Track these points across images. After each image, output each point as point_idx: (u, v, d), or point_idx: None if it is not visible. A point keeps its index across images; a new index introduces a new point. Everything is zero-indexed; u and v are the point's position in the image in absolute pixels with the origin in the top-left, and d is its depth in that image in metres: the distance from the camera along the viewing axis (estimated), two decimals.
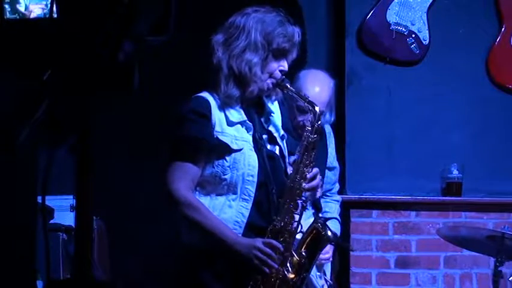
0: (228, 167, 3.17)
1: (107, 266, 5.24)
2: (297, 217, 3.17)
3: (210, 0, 5.42)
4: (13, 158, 3.02)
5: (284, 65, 3.22)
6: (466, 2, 5.33)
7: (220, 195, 3.19)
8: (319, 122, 3.24)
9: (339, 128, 5.21)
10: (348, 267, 5.18)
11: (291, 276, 3.16)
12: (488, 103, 5.31)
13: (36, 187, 3.14)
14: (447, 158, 5.25)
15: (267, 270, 3.11)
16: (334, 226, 3.90)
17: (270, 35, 3.17)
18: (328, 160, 4.06)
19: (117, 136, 5.66)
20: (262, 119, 3.30)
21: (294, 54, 3.24)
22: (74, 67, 1.92)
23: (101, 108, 2.01)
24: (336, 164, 4.17)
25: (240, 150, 3.17)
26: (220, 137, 3.17)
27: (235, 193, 3.18)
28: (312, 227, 3.24)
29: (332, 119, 4.00)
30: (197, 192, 3.20)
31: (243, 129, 3.20)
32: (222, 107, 3.19)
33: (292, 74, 3.61)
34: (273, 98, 3.30)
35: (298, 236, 3.21)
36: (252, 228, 3.17)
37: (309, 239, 3.22)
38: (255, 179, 3.17)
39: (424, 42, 5.26)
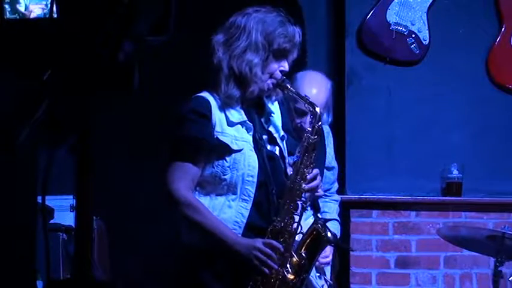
0: (228, 167, 3.17)
1: (107, 266, 5.24)
2: (296, 218, 3.17)
3: (210, 0, 5.42)
4: (13, 158, 3.02)
5: (284, 65, 3.22)
6: (466, 2, 5.33)
7: (220, 195, 3.19)
8: (319, 123, 3.24)
9: (339, 128, 5.21)
10: (348, 267, 5.18)
11: (291, 277, 3.16)
12: (488, 103, 5.31)
13: (36, 187, 3.14)
14: (447, 158, 5.25)
15: (267, 271, 3.11)
16: (334, 227, 3.90)
17: (270, 36, 3.17)
18: (326, 160, 4.06)
19: (117, 136, 5.66)
20: (263, 120, 3.29)
21: (294, 55, 3.24)
22: (74, 67, 1.92)
23: (101, 108, 2.01)
24: (334, 164, 4.17)
25: (240, 150, 3.17)
26: (221, 137, 3.17)
27: (235, 193, 3.17)
28: (312, 228, 3.24)
29: (330, 119, 4.00)
30: (197, 192, 3.20)
31: (243, 130, 3.20)
32: (223, 107, 3.19)
33: (292, 74, 3.61)
34: (273, 98, 3.30)
35: (298, 237, 3.21)
36: (251, 229, 3.16)
37: (309, 240, 3.22)
38: (255, 180, 3.16)
39: (424, 42, 5.26)
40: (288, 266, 3.16)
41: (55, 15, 1.98)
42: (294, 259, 3.17)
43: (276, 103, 3.34)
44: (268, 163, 3.20)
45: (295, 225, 3.17)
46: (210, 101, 3.19)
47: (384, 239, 5.22)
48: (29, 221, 3.25)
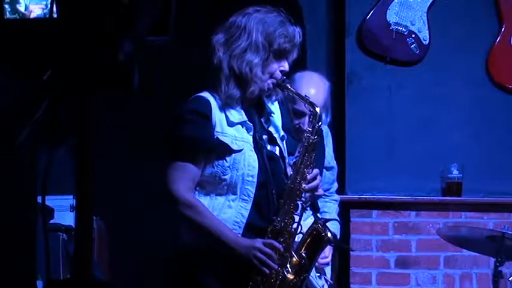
0: (228, 167, 3.16)
1: (107, 266, 5.25)
2: (296, 218, 3.17)
3: (210, 0, 5.42)
4: (13, 158, 3.02)
5: (285, 66, 3.22)
6: (466, 2, 5.33)
7: (220, 195, 3.19)
8: (319, 123, 3.24)
9: (339, 128, 5.21)
10: (348, 267, 5.18)
11: (291, 277, 3.15)
12: (488, 103, 5.32)
13: (36, 187, 3.14)
14: (447, 158, 5.26)
15: (267, 271, 3.11)
16: (334, 227, 3.90)
17: (271, 36, 3.17)
18: (325, 160, 4.06)
19: (117, 136, 5.66)
20: (263, 120, 3.29)
21: (294, 55, 3.24)
22: (74, 67, 1.92)
23: (101, 108, 2.01)
24: (333, 163, 4.17)
25: (240, 150, 3.17)
26: (221, 137, 3.16)
27: (234, 193, 3.17)
28: (312, 228, 3.24)
29: (328, 119, 4.01)
30: (197, 192, 3.20)
31: (243, 130, 3.20)
32: (223, 107, 3.19)
33: (291, 75, 3.61)
34: (273, 98, 3.30)
35: (298, 237, 3.21)
36: (251, 229, 3.16)
37: (309, 240, 3.22)
38: (255, 180, 3.16)
39: (424, 42, 5.26)
40: (288, 266, 3.16)
41: (55, 15, 1.98)
42: (294, 259, 3.17)
43: (276, 103, 3.34)
44: (268, 163, 3.20)
45: (295, 225, 3.17)
46: (210, 101, 3.19)
47: (384, 239, 5.22)
48: (29, 221, 3.24)
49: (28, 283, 3.54)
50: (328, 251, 3.73)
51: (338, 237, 3.90)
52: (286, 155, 3.31)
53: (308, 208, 3.34)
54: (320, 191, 3.34)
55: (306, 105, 3.26)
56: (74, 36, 1.91)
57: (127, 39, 1.93)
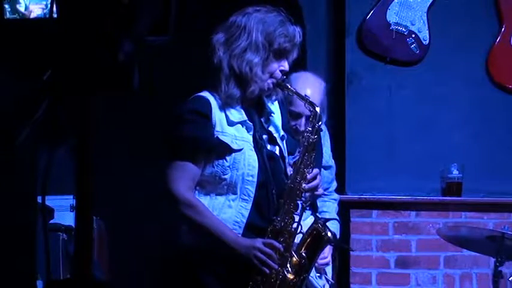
0: (228, 166, 3.16)
1: (107, 266, 5.24)
2: (296, 218, 3.17)
3: (210, 0, 5.42)
4: (13, 158, 3.02)
5: (285, 65, 3.22)
6: (466, 2, 5.33)
7: (220, 195, 3.19)
8: (319, 123, 3.24)
9: (339, 128, 5.22)
10: (348, 267, 5.18)
11: (291, 276, 3.16)
12: (488, 103, 5.32)
13: (36, 187, 3.13)
14: (447, 158, 5.26)
15: (267, 271, 3.11)
16: (334, 226, 3.90)
17: (271, 35, 3.17)
18: (323, 159, 4.07)
19: (117, 136, 5.66)
20: (263, 119, 3.29)
21: (294, 54, 3.24)
22: (74, 67, 1.92)
23: (101, 108, 2.01)
24: (331, 162, 4.17)
25: (240, 150, 3.17)
26: (221, 137, 3.16)
27: (235, 193, 3.17)
28: (312, 227, 3.24)
29: (324, 119, 4.01)
30: (197, 192, 3.20)
31: (243, 129, 3.20)
32: (223, 107, 3.19)
33: (288, 75, 3.60)
34: (273, 98, 3.30)
35: (298, 237, 3.21)
36: (251, 229, 3.16)
37: (309, 239, 3.22)
38: (255, 179, 3.16)
39: (424, 42, 5.26)
40: (288, 265, 3.16)
41: (55, 15, 1.98)
42: (294, 259, 3.17)
43: (276, 103, 3.34)
44: (268, 163, 3.20)
45: (295, 225, 3.17)
46: (210, 101, 3.19)
47: (384, 239, 5.22)
48: (29, 221, 3.24)
49: (28, 283, 3.54)
50: (327, 251, 3.73)
51: (338, 237, 3.90)
52: (286, 154, 3.31)
53: (307, 208, 3.34)
54: (320, 191, 3.35)
55: (306, 104, 3.26)
56: (74, 36, 1.91)
57: (127, 39, 1.93)
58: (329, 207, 4.10)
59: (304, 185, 3.19)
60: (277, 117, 3.32)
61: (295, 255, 3.17)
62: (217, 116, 3.18)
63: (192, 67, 4.05)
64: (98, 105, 1.97)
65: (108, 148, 4.82)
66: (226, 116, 3.19)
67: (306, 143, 3.22)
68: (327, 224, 3.29)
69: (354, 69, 5.30)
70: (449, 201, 5.25)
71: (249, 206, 3.16)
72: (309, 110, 3.27)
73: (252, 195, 3.16)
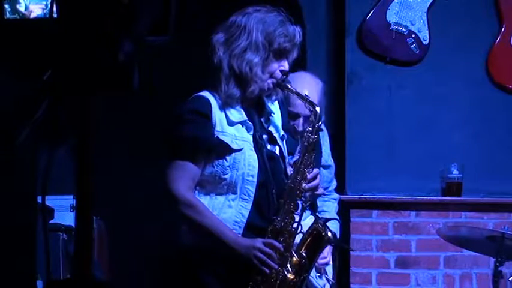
0: (228, 166, 3.16)
1: (107, 266, 5.24)
2: (297, 217, 3.17)
3: (210, 0, 5.42)
4: (13, 158, 3.02)
5: (285, 65, 3.22)
6: (466, 2, 5.33)
7: (220, 195, 3.19)
8: (319, 123, 3.24)
9: (339, 128, 5.22)
10: (348, 267, 5.18)
11: (291, 276, 3.16)
12: (488, 103, 5.31)
13: (36, 187, 3.13)
14: (447, 158, 5.25)
15: (267, 271, 3.11)
16: (334, 226, 3.90)
17: (271, 35, 3.17)
18: (322, 158, 4.07)
19: (117, 136, 5.66)
20: (263, 119, 3.29)
21: (294, 54, 3.24)
22: (74, 67, 1.92)
23: (101, 108, 2.01)
24: (330, 162, 4.17)
25: (240, 150, 3.17)
26: (221, 137, 3.16)
27: (234, 193, 3.17)
28: (312, 227, 3.24)
29: (323, 118, 4.01)
30: (197, 192, 3.20)
31: (243, 129, 3.20)
32: (223, 107, 3.19)
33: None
34: (273, 98, 3.30)
35: (298, 237, 3.21)
36: (251, 229, 3.16)
37: (309, 239, 3.22)
38: (255, 179, 3.16)
39: (424, 42, 5.26)
40: (288, 265, 3.16)
41: (55, 15, 1.98)
42: (294, 259, 3.17)
43: (276, 103, 3.34)
44: (268, 163, 3.20)
45: (295, 224, 3.17)
46: (211, 101, 3.19)
47: (384, 239, 5.22)
48: (29, 221, 3.24)
49: (28, 283, 3.54)
50: (326, 251, 3.73)
51: (338, 236, 3.90)
52: (286, 154, 3.31)
53: (307, 208, 3.34)
54: (320, 190, 3.35)
55: (306, 104, 3.26)
56: (74, 36, 1.91)
57: (127, 39, 1.93)
58: (329, 206, 4.10)
59: (304, 184, 3.19)
60: (277, 117, 3.32)
61: (295, 255, 3.17)
62: (217, 115, 3.18)
63: (192, 67, 4.05)
64: (98, 105, 1.97)
65: (108, 148, 4.81)
66: (226, 116, 3.19)
67: (306, 143, 3.22)
68: (327, 224, 3.28)
69: (354, 69, 5.30)
70: (449, 201, 5.25)
71: (249, 206, 3.16)
72: (309, 110, 3.27)
73: (252, 195, 3.16)
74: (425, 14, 5.26)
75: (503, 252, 3.91)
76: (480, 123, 5.32)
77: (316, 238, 3.23)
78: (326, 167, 4.11)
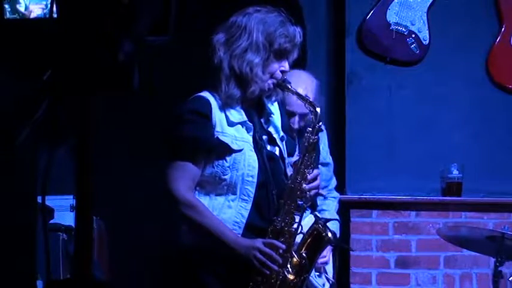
0: (228, 167, 3.16)
1: (107, 266, 5.24)
2: (297, 218, 3.17)
3: (210, 0, 5.42)
4: (13, 158, 3.02)
5: (285, 65, 3.22)
6: (466, 2, 5.33)
7: (220, 195, 3.19)
8: (319, 123, 3.24)
9: (339, 128, 5.22)
10: (348, 267, 5.18)
11: (291, 277, 3.15)
12: (488, 103, 5.31)
13: (36, 187, 3.13)
14: (447, 158, 5.25)
15: (267, 271, 3.11)
16: (334, 226, 3.90)
17: (271, 36, 3.17)
18: (321, 156, 4.07)
19: (117, 136, 5.66)
20: (262, 120, 3.29)
21: (295, 55, 3.24)
22: (74, 67, 1.92)
23: (101, 108, 2.01)
24: (329, 159, 4.17)
25: (240, 150, 3.17)
26: (221, 137, 3.16)
27: (234, 193, 3.17)
28: (312, 228, 3.24)
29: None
30: (197, 192, 3.20)
31: (243, 130, 3.20)
32: (223, 107, 3.19)
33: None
34: (273, 98, 3.30)
35: (298, 237, 3.21)
36: (251, 229, 3.16)
37: (309, 240, 3.22)
38: (255, 180, 3.16)
39: (424, 42, 5.26)
40: (289, 266, 3.15)
41: (55, 15, 1.98)
42: (295, 259, 3.17)
43: (276, 104, 3.34)
44: (268, 163, 3.20)
45: (295, 225, 3.17)
46: (211, 101, 3.19)
47: (384, 239, 5.22)
48: (29, 221, 3.24)
49: (28, 283, 3.54)
50: (326, 250, 3.73)
51: (338, 236, 3.90)
52: (286, 155, 3.31)
53: (307, 208, 3.34)
54: (320, 191, 3.35)
55: (307, 105, 3.26)
56: (74, 36, 1.91)
57: (127, 39, 1.93)
58: (329, 205, 4.10)
59: (304, 185, 3.19)
60: (276, 118, 3.32)
61: (295, 256, 3.17)
62: (217, 116, 3.18)
63: (192, 67, 4.05)
64: (98, 105, 1.97)
65: (108, 148, 4.81)
66: (226, 117, 3.19)
67: (306, 144, 3.21)
68: (327, 224, 3.28)
69: (354, 69, 5.30)
70: (449, 201, 5.25)
71: (248, 206, 3.16)
72: (309, 111, 3.26)
73: (252, 195, 3.16)
74: (425, 14, 5.26)
75: (503, 252, 3.91)
76: (480, 123, 5.32)
77: (317, 238, 3.22)
78: (325, 164, 4.11)
